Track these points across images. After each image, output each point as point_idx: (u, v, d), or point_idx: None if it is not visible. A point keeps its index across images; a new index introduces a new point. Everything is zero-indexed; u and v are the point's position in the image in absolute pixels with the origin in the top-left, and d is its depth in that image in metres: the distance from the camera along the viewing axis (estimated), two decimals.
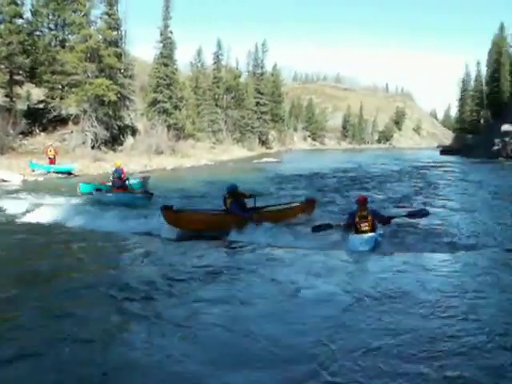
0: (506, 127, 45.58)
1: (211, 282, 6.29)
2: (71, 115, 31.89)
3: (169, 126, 39.65)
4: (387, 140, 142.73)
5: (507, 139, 44.51)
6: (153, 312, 5.03)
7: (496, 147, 46.21)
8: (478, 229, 11.06)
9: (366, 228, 8.76)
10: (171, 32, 43.19)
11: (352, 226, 8.91)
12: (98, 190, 15.63)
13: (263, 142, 66.19)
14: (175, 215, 10.23)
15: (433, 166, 37.00)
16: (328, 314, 4.92)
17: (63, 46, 33.79)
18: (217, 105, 55.95)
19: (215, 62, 58.41)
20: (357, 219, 8.83)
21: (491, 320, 4.73)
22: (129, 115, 37.59)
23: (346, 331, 4.48)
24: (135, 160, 30.48)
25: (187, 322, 4.72)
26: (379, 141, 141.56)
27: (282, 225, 10.23)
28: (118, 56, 35.26)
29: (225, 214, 10.38)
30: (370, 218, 8.86)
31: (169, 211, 10.18)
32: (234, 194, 10.39)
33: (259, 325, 4.66)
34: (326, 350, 4.02)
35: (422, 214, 10.23)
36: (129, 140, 35.70)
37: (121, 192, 15.34)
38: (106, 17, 35.14)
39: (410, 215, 10.20)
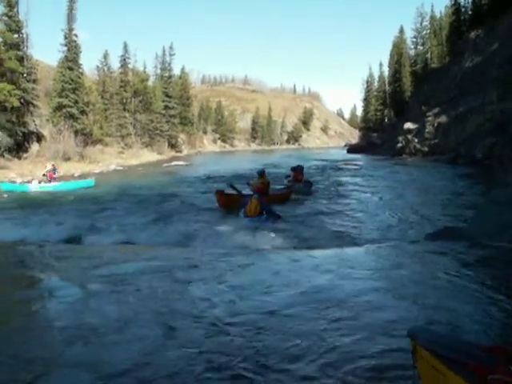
0: (408, 125, 47.37)
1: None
2: None
3: (76, 132, 38.94)
4: (296, 140, 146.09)
5: (410, 136, 46.19)
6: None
7: (399, 144, 48.12)
8: (382, 222, 11.81)
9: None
10: (76, 35, 42.35)
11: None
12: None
13: (173, 146, 66.05)
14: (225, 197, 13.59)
15: (340, 164, 38.85)
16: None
17: None
18: (125, 109, 55.30)
19: (122, 66, 57.49)
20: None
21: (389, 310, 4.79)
22: (33, 121, 36.47)
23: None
24: (41, 167, 29.76)
25: None
26: (288, 141, 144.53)
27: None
28: (20, 59, 34.22)
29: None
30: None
31: (220, 194, 13.63)
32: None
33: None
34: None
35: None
36: (34, 146, 34.74)
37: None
38: (6, 18, 34.08)
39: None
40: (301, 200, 16.07)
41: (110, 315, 4.71)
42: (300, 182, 18.52)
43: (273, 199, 13.65)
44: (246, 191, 14.28)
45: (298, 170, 19.31)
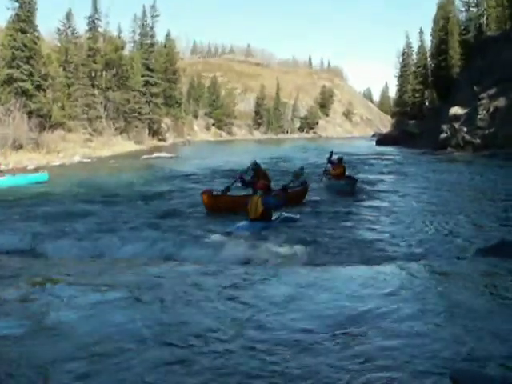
0: (455, 110, 46.86)
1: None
2: None
3: (30, 113, 38.86)
4: (311, 128, 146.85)
5: (457, 125, 45.55)
6: None
7: (444, 135, 47.26)
8: (422, 233, 11.80)
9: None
10: None
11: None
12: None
13: (154, 133, 66.12)
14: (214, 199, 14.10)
15: (368, 159, 38.81)
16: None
17: None
18: (93, 85, 55.31)
19: (90, 29, 57.56)
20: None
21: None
22: None
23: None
24: None
25: None
26: (301, 129, 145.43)
27: None
28: None
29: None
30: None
31: (208, 195, 14.10)
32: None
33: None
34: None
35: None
36: None
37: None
38: None
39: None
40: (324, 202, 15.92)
41: (101, 336, 4.72)
42: (341, 179, 18.44)
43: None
44: (247, 191, 14.28)
45: (336, 162, 19.37)
